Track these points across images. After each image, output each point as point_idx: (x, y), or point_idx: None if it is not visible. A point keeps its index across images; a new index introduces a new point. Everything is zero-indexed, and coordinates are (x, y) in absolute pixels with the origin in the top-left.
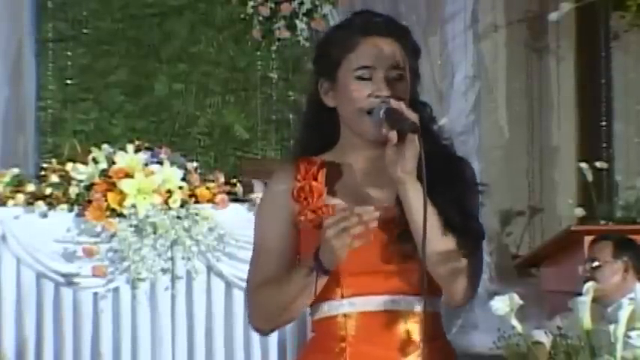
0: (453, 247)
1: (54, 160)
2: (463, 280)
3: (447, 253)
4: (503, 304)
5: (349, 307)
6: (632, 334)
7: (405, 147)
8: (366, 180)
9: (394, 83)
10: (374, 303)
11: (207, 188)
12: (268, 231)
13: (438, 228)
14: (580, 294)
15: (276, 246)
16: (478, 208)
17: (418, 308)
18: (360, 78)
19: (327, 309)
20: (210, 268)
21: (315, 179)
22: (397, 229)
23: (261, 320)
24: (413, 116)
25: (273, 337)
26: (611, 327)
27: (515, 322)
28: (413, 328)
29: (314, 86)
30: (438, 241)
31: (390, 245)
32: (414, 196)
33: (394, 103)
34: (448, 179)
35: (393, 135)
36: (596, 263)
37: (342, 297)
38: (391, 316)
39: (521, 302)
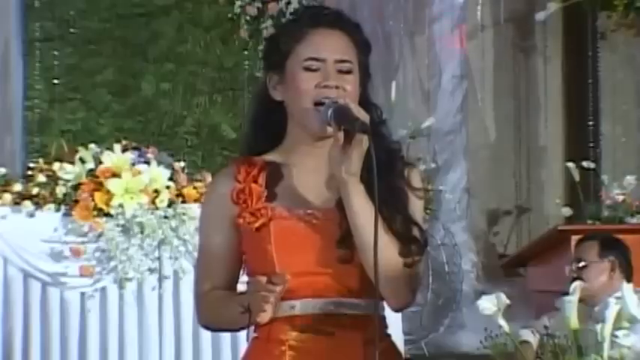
0: (395, 253)
1: (41, 160)
2: (403, 285)
3: (389, 258)
4: (490, 304)
5: (289, 309)
6: (619, 333)
7: (352, 148)
8: (309, 181)
9: (343, 75)
10: (313, 306)
11: (195, 188)
12: (212, 234)
13: (383, 235)
14: (567, 293)
15: (221, 249)
16: (422, 215)
17: (356, 311)
18: (308, 69)
19: None
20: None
21: (255, 181)
22: (338, 233)
23: (209, 322)
24: (363, 116)
25: None
26: (598, 326)
27: (502, 321)
28: (352, 331)
29: (263, 81)
30: (381, 245)
31: (329, 249)
32: (356, 199)
33: (343, 102)
34: (392, 184)
35: (340, 135)
36: (582, 263)
37: (282, 299)
38: (330, 320)
39: (508, 302)
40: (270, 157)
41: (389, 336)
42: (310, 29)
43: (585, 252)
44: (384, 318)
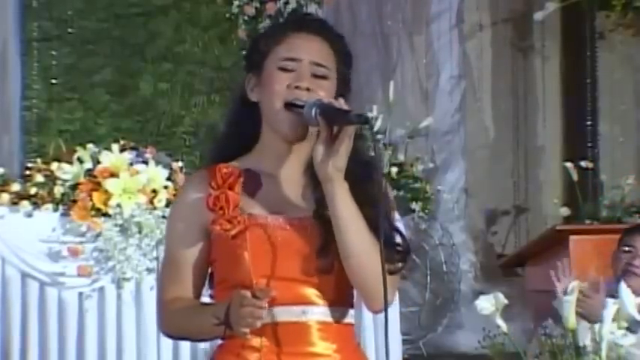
0: (378, 255)
1: (39, 160)
2: (382, 287)
3: (374, 259)
4: (488, 304)
5: (265, 316)
6: (617, 333)
7: (340, 142)
8: (285, 188)
9: (318, 80)
10: (286, 313)
11: None
12: (181, 239)
13: (366, 234)
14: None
15: (189, 256)
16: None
17: (329, 319)
18: (283, 69)
19: None
20: None
21: (232, 188)
22: (316, 242)
23: (173, 331)
24: (349, 108)
25: None
26: (596, 326)
27: (500, 321)
28: (323, 338)
29: (241, 83)
30: (364, 247)
31: (306, 258)
32: (341, 196)
33: (325, 100)
34: (376, 189)
35: (327, 130)
36: (629, 248)
37: None
38: (302, 327)
39: (506, 302)
40: (244, 163)
41: (358, 344)
42: (291, 32)
43: (634, 241)
44: (353, 326)
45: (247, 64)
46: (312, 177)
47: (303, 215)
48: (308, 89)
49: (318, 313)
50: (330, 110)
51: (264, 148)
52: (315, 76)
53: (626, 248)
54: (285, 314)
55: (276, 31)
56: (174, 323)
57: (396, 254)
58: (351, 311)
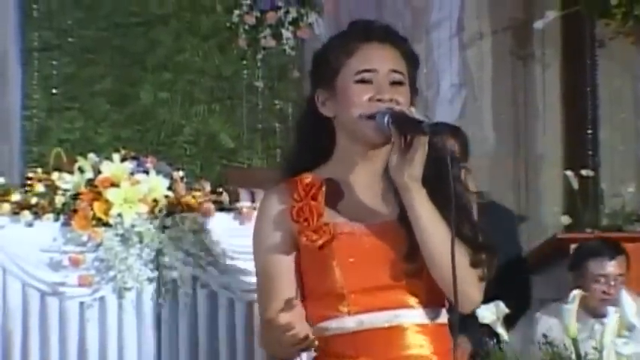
0: (462, 256)
1: (39, 170)
2: (474, 286)
3: (459, 262)
4: (489, 313)
5: (356, 324)
6: (618, 342)
7: (414, 151)
8: (366, 195)
9: (396, 87)
10: (380, 319)
11: (194, 197)
12: (271, 254)
13: (448, 236)
14: None
15: (283, 269)
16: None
17: (425, 320)
18: (361, 81)
19: (335, 327)
20: (196, 278)
21: (315, 199)
22: (402, 246)
23: (267, 350)
24: (422, 118)
25: (259, 349)
26: (598, 335)
27: (501, 329)
28: (420, 339)
29: (310, 99)
30: (447, 250)
31: (394, 263)
32: (420, 203)
33: (397, 108)
34: (455, 189)
35: (401, 139)
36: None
37: (349, 314)
38: (397, 331)
39: (507, 310)
40: (321, 173)
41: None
42: (361, 43)
43: (604, 267)
44: (447, 325)
45: (316, 80)
46: (390, 182)
47: (383, 220)
48: (390, 100)
49: (412, 315)
50: (402, 119)
51: (340, 159)
52: (393, 83)
53: (601, 279)
54: (378, 320)
55: (345, 44)
56: (267, 343)
57: (484, 255)
58: (444, 311)
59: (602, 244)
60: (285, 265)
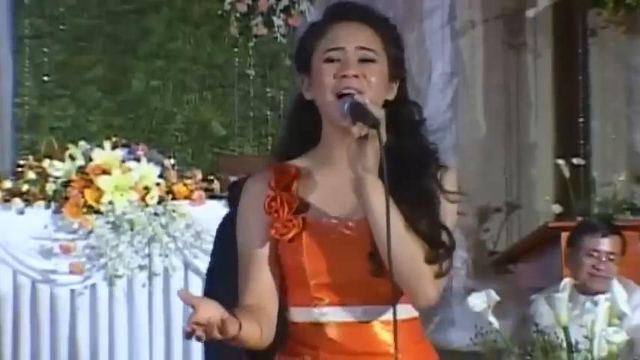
0: (417, 251)
1: (31, 157)
2: (429, 283)
3: (412, 256)
4: (480, 301)
5: (323, 316)
6: (609, 330)
7: (367, 143)
8: (343, 187)
9: (365, 64)
10: (347, 313)
11: (185, 185)
12: (249, 240)
13: (402, 230)
14: None
15: (259, 255)
16: (453, 219)
17: (391, 317)
18: (329, 60)
19: (302, 316)
20: (187, 265)
21: (287, 189)
22: (370, 243)
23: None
24: (377, 111)
25: None
26: (589, 323)
27: (492, 318)
28: (386, 337)
29: (299, 85)
30: (400, 243)
31: (361, 259)
32: (373, 196)
33: (360, 98)
34: (422, 185)
35: (355, 129)
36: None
37: (315, 306)
38: (364, 327)
39: (498, 299)
40: (303, 162)
41: (424, 338)
42: (332, 24)
43: (599, 243)
44: (417, 319)
45: (297, 66)
46: None
47: (355, 215)
48: (356, 76)
49: (379, 311)
50: (357, 109)
51: (323, 145)
52: (363, 60)
53: (593, 253)
54: (344, 314)
55: (317, 26)
56: None
57: (441, 251)
58: (411, 307)
59: (600, 221)
60: (261, 251)
